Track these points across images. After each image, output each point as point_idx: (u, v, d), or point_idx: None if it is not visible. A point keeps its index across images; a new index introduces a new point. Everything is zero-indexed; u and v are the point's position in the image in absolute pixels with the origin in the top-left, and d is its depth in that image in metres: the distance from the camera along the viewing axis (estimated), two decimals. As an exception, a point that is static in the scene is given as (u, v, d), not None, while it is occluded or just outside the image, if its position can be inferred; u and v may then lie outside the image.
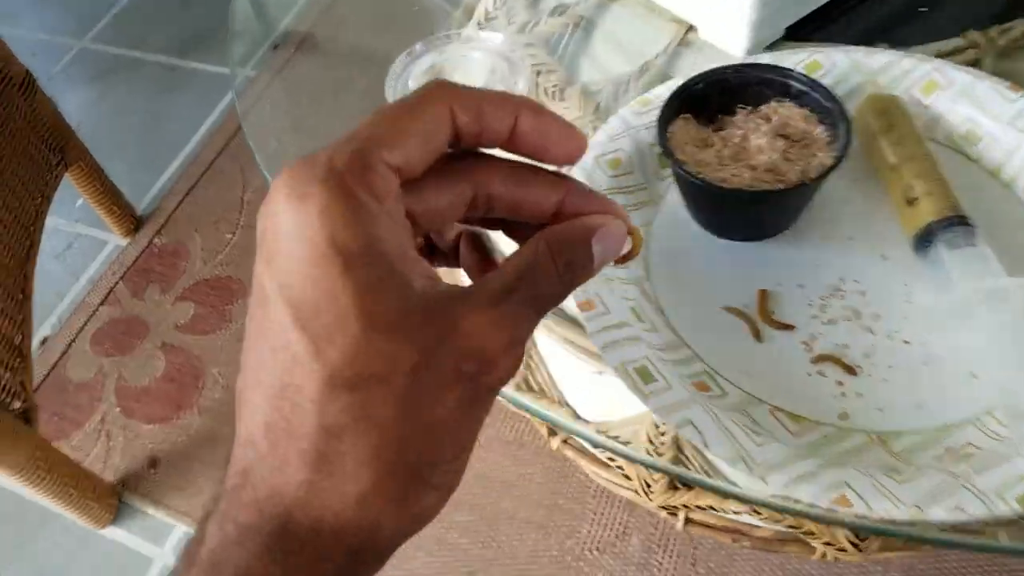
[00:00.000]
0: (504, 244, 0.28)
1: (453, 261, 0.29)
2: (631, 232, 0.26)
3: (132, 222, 1.35)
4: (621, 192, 0.44)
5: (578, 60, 0.57)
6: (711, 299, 0.42)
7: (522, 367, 0.61)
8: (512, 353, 0.23)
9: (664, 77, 0.52)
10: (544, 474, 0.96)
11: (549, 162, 0.26)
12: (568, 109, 0.53)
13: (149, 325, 1.22)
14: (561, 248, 0.24)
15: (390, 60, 0.89)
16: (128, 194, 1.33)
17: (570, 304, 0.43)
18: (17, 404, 0.91)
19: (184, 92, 1.58)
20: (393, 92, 0.54)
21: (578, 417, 0.59)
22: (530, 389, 0.63)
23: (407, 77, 0.56)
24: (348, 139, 0.22)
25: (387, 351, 0.21)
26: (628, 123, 0.45)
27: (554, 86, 0.55)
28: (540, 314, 0.24)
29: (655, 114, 0.42)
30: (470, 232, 0.28)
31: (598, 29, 0.57)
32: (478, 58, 0.53)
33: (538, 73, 0.56)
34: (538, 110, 0.25)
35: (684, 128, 0.42)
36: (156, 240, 1.33)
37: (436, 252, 0.29)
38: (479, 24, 0.65)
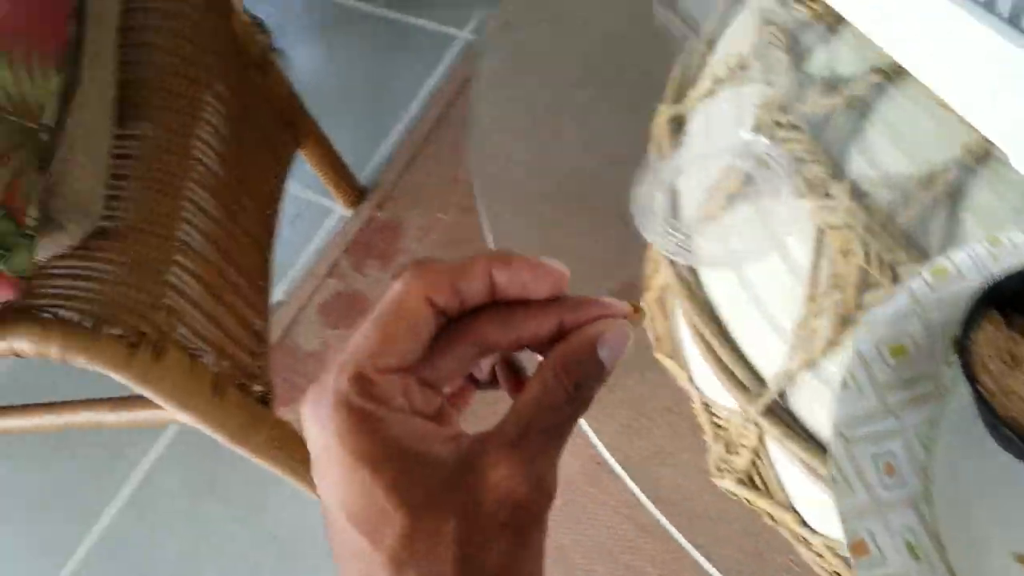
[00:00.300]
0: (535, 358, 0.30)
1: (494, 385, 0.32)
2: (636, 310, 0.29)
3: (356, 193, 1.40)
4: (901, 387, 0.37)
5: (847, 149, 0.49)
6: (1004, 542, 0.34)
7: (747, 462, 0.57)
8: (542, 486, 0.26)
9: (954, 192, 0.43)
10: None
11: (539, 294, 0.28)
12: (833, 210, 0.46)
13: (370, 301, 1.28)
14: (568, 369, 0.27)
15: (619, 80, 0.83)
16: (351, 163, 1.38)
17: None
18: (258, 387, 0.98)
19: (406, 51, 1.59)
20: (642, 198, 0.50)
21: (804, 524, 0.54)
22: (754, 487, 0.58)
23: (658, 182, 0.51)
24: (345, 360, 0.26)
25: (431, 527, 0.25)
26: (919, 300, 0.38)
27: (818, 179, 0.48)
28: (561, 440, 0.27)
29: (952, 288, 0.35)
30: (502, 357, 0.31)
31: (874, 115, 0.48)
32: (733, 165, 0.47)
33: (799, 160, 0.49)
34: (507, 261, 0.28)
35: (990, 334, 0.34)
36: (376, 214, 1.37)
37: (479, 381, 0.32)
38: (730, 71, 0.58)
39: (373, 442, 0.25)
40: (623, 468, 0.63)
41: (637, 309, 0.29)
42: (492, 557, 0.25)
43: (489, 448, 0.26)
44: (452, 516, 0.25)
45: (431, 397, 0.28)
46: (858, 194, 0.47)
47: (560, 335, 0.28)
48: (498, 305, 0.29)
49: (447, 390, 0.30)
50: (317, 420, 0.26)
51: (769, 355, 0.50)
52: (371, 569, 0.25)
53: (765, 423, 0.49)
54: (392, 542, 0.25)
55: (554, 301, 0.29)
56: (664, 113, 0.63)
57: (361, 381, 0.26)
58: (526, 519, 0.25)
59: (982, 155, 0.44)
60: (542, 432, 0.26)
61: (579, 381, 0.27)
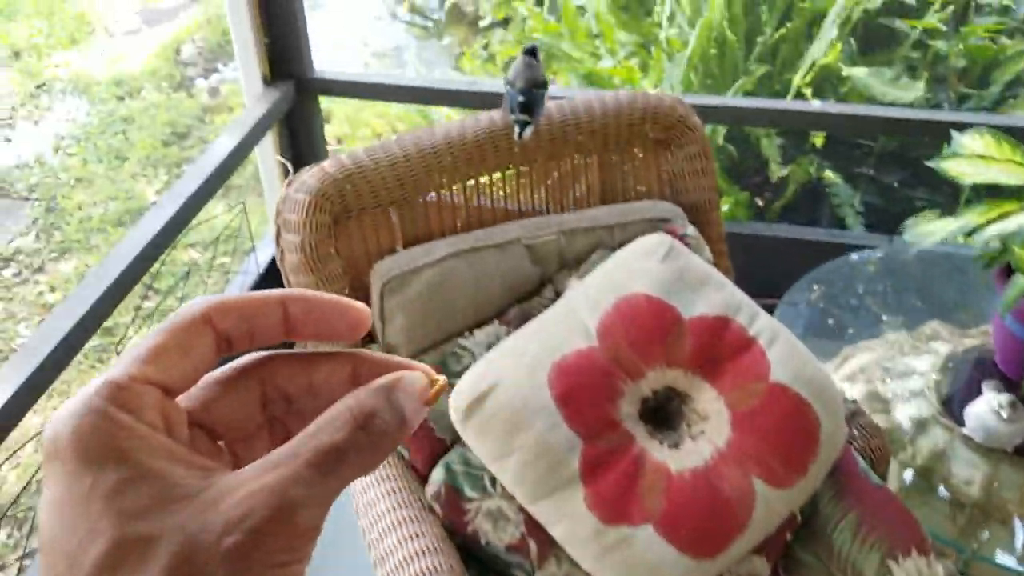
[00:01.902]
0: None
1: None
2: (432, 380, 0.26)
3: None
4: None
5: None
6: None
7: None
8: (291, 519, 0.22)
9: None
10: None
11: (335, 340, 0.27)
12: None
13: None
14: (360, 402, 0.24)
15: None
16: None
17: None
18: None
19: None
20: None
21: None
22: None
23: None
24: (112, 366, 0.25)
25: (141, 546, 0.22)
26: None
27: None
28: (335, 478, 0.23)
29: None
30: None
31: None
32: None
33: None
34: (306, 295, 0.26)
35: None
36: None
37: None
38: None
39: (105, 446, 0.23)
40: None
41: (435, 380, 0.26)
42: None
43: (239, 475, 0.23)
44: (168, 536, 0.22)
45: (199, 435, 0.26)
46: None
47: (355, 385, 0.25)
48: (292, 352, 0.27)
49: (237, 436, 0.27)
50: (51, 429, 0.24)
51: None
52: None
53: None
54: (93, 562, 0.22)
55: (352, 351, 0.27)
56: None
57: (112, 386, 0.24)
58: (256, 554, 0.22)
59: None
60: (309, 464, 0.23)
61: (373, 412, 0.24)
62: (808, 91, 2.28)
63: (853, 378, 1.50)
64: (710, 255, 1.26)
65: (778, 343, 1.05)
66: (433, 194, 1.21)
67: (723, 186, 2.30)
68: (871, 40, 2.53)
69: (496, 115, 1.23)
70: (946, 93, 2.48)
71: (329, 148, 2.32)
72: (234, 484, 0.23)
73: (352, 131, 3.22)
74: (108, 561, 0.22)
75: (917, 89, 2.05)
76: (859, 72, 2.16)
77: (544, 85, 1.21)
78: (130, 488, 0.23)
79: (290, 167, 2.03)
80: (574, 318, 1.07)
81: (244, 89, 1.96)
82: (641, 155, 1.34)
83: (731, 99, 2.06)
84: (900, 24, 2.53)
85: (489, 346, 1.12)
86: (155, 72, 3.73)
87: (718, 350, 1.05)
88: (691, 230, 1.26)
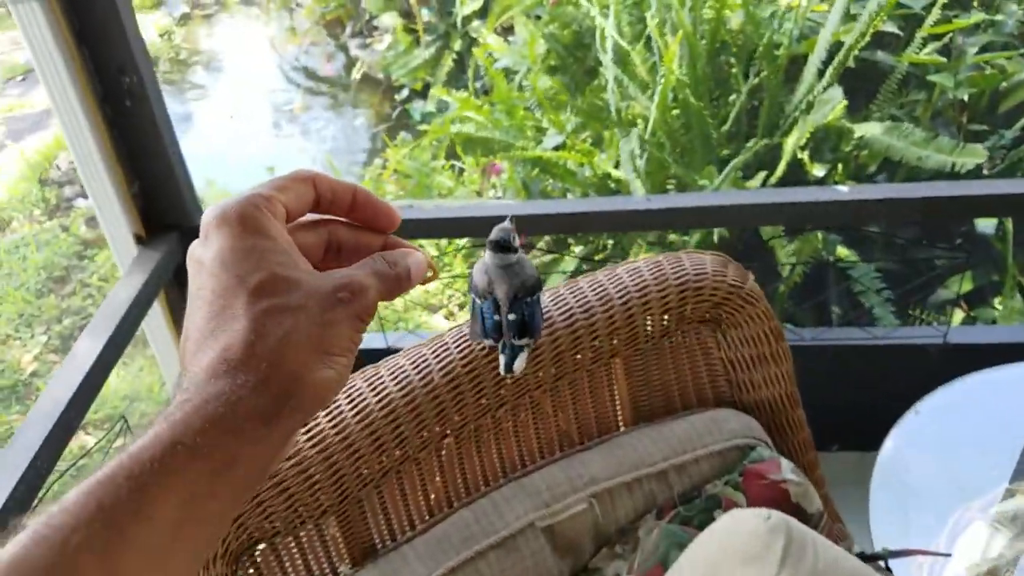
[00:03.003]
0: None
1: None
2: (431, 265, 0.45)
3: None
4: None
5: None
6: None
7: None
8: (366, 296, 0.40)
9: None
10: None
11: (375, 228, 0.46)
12: None
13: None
14: (386, 254, 0.43)
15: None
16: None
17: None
18: None
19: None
20: None
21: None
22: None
23: None
24: (256, 187, 0.41)
25: (291, 279, 0.38)
26: None
27: None
28: (378, 278, 0.41)
29: None
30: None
31: None
32: None
33: None
34: (369, 194, 0.45)
35: None
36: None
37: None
38: None
39: (259, 224, 0.39)
40: None
41: (433, 267, 0.46)
42: (328, 314, 0.38)
43: (337, 270, 0.41)
44: (307, 280, 0.39)
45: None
46: None
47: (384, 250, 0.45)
48: (350, 223, 0.46)
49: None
50: (221, 207, 0.39)
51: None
52: (232, 300, 0.37)
53: None
54: (255, 282, 0.37)
55: (384, 234, 0.46)
56: None
57: (262, 196, 0.40)
58: (355, 306, 0.39)
59: None
60: (370, 269, 0.41)
61: (394, 261, 0.43)
62: (805, 156, 1.90)
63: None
64: (819, 503, 0.84)
65: None
66: (389, 475, 0.77)
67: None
68: (850, 78, 2.18)
69: (467, 329, 0.80)
70: (948, 131, 2.14)
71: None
72: (335, 271, 0.40)
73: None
74: (266, 286, 0.37)
75: (976, 153, 1.68)
76: (871, 129, 1.78)
77: (538, 286, 0.78)
78: (276, 251, 0.39)
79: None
80: None
81: (115, 255, 1.48)
82: (683, 345, 0.91)
83: (734, 194, 1.65)
84: (882, 57, 2.18)
85: None
86: (24, 198, 3.18)
87: None
88: (788, 468, 0.84)
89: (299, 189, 0.42)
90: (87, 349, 1.21)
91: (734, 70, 2.03)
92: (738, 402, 0.95)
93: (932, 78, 2.02)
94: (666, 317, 0.87)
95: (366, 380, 0.77)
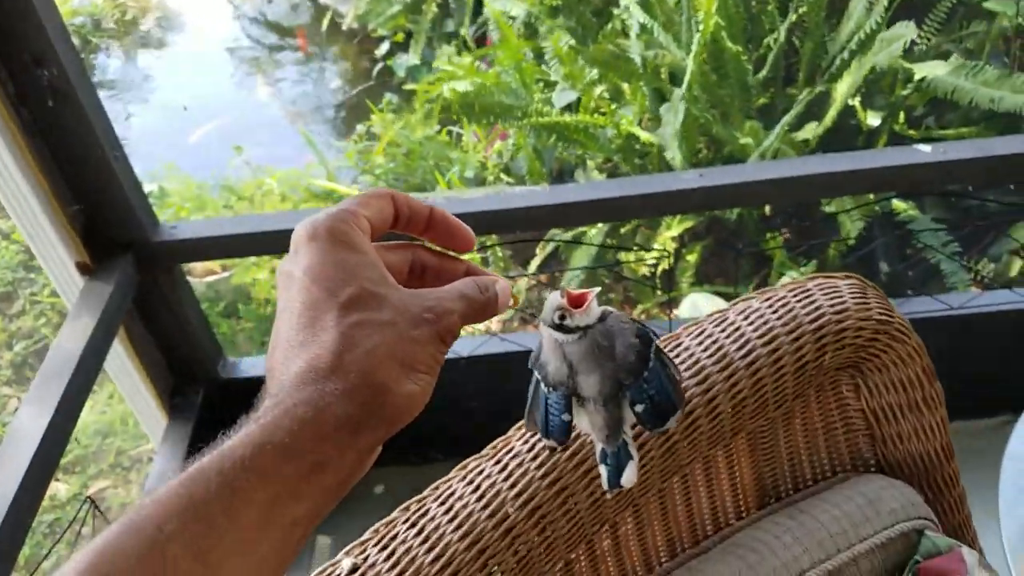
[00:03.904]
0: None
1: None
2: (514, 295, 0.47)
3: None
4: None
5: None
6: None
7: None
8: (452, 318, 0.41)
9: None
10: None
11: (450, 248, 0.47)
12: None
13: None
14: (476, 280, 0.44)
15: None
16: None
17: None
18: None
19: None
20: None
21: None
22: None
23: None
24: (338, 204, 0.43)
25: (380, 295, 0.39)
26: None
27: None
28: (465, 302, 0.42)
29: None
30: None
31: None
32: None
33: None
34: (446, 214, 0.46)
35: None
36: None
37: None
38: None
39: (348, 238, 0.41)
40: None
41: (515, 297, 0.47)
42: (414, 331, 0.39)
43: (424, 290, 0.42)
44: (396, 296, 0.40)
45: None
46: None
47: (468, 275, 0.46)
48: (434, 247, 0.47)
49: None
50: (311, 223, 0.41)
51: None
52: (322, 313, 0.38)
53: None
54: (344, 297, 0.39)
55: (464, 260, 0.48)
56: None
57: (349, 211, 0.42)
58: (439, 326, 0.40)
59: None
60: (458, 293, 0.43)
61: (487, 286, 0.44)
62: (857, 103, 1.68)
63: None
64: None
65: None
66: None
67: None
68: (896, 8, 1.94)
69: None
70: (1002, 62, 1.91)
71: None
72: (422, 291, 0.42)
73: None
74: (356, 300, 0.39)
75: None
76: (934, 69, 1.56)
77: (645, 353, 0.55)
78: (366, 266, 0.40)
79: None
80: None
81: (59, 290, 1.26)
82: (816, 401, 0.71)
83: (800, 162, 1.43)
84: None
85: None
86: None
87: None
88: (974, 563, 0.65)
89: (379, 205, 0.44)
90: (31, 423, 0.98)
91: (769, 6, 1.79)
92: (882, 461, 0.75)
93: (989, 6, 1.78)
94: (802, 373, 0.67)
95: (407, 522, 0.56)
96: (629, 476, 0.54)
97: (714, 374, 0.63)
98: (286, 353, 0.38)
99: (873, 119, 1.69)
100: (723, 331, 0.66)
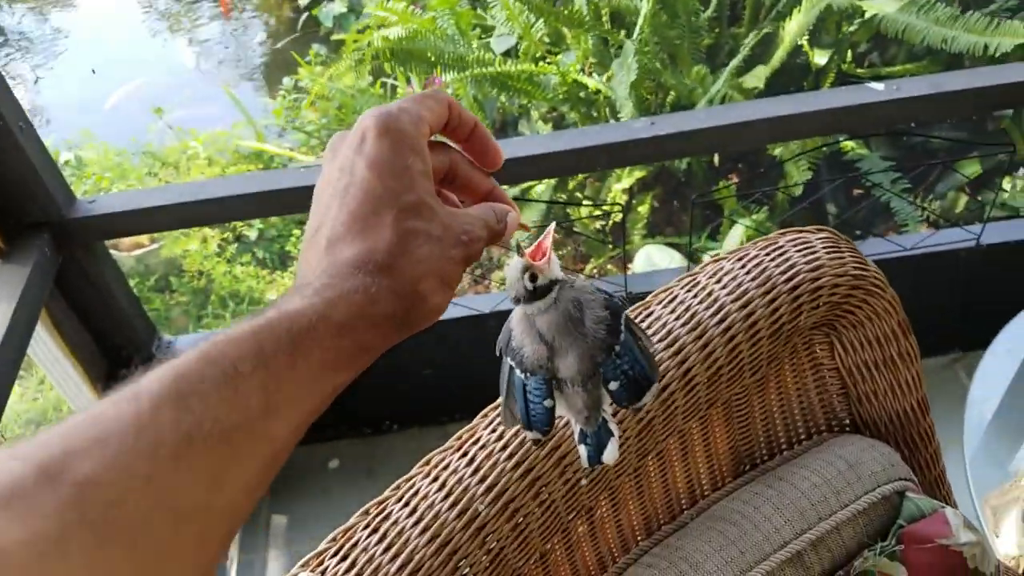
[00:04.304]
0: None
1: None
2: (523, 224, 0.49)
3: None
4: None
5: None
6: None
7: None
8: (479, 245, 0.44)
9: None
10: None
11: (483, 164, 0.49)
12: None
13: None
14: (496, 207, 0.47)
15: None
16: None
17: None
18: None
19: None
20: None
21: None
22: None
23: None
24: (405, 101, 0.44)
25: (432, 209, 0.42)
26: None
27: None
28: (488, 231, 0.45)
29: None
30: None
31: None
32: None
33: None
34: (487, 133, 0.48)
35: None
36: None
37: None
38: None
39: (420, 145, 0.43)
40: None
41: (525, 225, 0.50)
42: (455, 251, 0.42)
43: (460, 210, 0.46)
44: (442, 212, 0.42)
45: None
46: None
47: (488, 196, 0.49)
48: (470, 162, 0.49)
49: None
50: (385, 115, 0.43)
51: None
52: (381, 209, 0.41)
53: None
54: (405, 203, 0.41)
55: (490, 175, 0.50)
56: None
57: (412, 110, 0.44)
58: (471, 249, 0.43)
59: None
60: (482, 217, 0.45)
61: (500, 217, 0.46)
62: (805, 43, 1.64)
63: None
64: (995, 556, 0.64)
65: None
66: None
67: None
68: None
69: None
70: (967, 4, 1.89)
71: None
72: (461, 213, 0.44)
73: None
74: (414, 208, 0.41)
75: (1017, 32, 1.43)
76: (884, 6, 1.52)
77: (616, 324, 0.51)
78: (426, 176, 0.42)
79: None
80: None
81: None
82: (790, 362, 0.68)
83: (750, 105, 1.39)
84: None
85: None
86: None
87: None
88: (958, 524, 0.63)
89: (440, 111, 0.45)
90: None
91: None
92: (857, 420, 0.73)
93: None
94: (777, 335, 0.64)
95: (378, 518, 0.51)
96: (611, 453, 0.50)
97: (688, 344, 0.60)
98: (339, 235, 0.40)
99: (820, 58, 1.66)
100: (695, 296, 0.62)
